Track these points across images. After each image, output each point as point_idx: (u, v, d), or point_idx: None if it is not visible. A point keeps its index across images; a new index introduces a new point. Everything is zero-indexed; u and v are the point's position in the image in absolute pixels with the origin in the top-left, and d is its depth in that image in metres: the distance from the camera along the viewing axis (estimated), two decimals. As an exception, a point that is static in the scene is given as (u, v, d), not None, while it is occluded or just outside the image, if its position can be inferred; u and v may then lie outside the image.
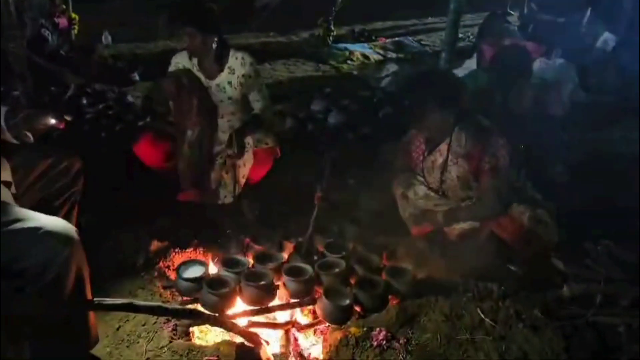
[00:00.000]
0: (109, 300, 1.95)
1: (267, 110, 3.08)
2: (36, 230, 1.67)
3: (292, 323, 2.40)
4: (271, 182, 3.33)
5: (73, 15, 5.66)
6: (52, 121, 2.01)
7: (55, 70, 4.79)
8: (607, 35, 5.70)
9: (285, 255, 2.72)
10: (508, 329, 2.37)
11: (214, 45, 2.95)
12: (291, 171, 3.63)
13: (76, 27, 5.53)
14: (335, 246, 2.76)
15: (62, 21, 5.21)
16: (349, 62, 6.20)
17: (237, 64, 2.98)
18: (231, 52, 3.01)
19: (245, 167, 2.94)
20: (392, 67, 5.92)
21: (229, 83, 3.00)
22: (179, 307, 2.11)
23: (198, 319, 2.20)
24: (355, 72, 5.85)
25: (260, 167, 3.02)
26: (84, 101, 4.50)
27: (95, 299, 1.90)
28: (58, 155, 2.24)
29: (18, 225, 1.68)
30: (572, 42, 6.09)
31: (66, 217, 2.25)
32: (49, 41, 5.22)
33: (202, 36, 2.88)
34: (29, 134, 1.94)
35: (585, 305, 2.51)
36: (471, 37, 7.35)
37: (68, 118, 2.06)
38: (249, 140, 2.91)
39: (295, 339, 2.36)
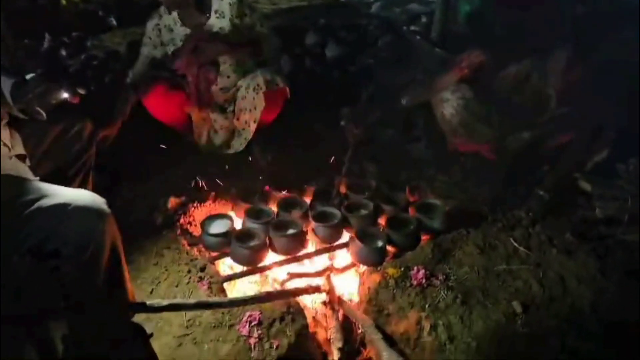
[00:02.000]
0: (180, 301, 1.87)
1: (273, 46, 2.90)
2: (65, 206, 1.55)
3: (330, 269, 2.36)
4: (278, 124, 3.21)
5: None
6: (65, 95, 1.85)
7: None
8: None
9: (308, 200, 2.65)
10: (542, 255, 2.37)
11: None
12: (295, 111, 3.48)
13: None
14: (358, 187, 2.69)
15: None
16: (333, -12, 5.89)
17: (224, 5, 2.75)
18: None
19: (257, 111, 2.78)
20: (381, -9, 5.64)
21: (221, 29, 2.78)
22: (252, 296, 2.03)
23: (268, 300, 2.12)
24: (342, 0, 5.57)
25: (271, 110, 2.87)
26: (63, 52, 4.20)
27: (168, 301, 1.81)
28: (69, 119, 2.08)
29: (44, 203, 1.56)
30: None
31: (82, 186, 2.12)
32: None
33: None
34: (41, 111, 1.78)
35: (613, 225, 2.52)
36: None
37: (82, 91, 1.90)
38: (259, 81, 2.73)
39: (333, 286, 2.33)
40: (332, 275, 2.33)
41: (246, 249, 2.26)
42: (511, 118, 2.54)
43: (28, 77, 3.80)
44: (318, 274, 2.32)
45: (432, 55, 4.12)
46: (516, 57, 2.65)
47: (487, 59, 2.58)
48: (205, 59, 2.72)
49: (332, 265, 2.40)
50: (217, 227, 2.40)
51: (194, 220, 2.61)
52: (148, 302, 1.78)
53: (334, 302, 2.22)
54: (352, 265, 2.39)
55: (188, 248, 2.43)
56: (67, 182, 2.09)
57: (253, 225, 2.40)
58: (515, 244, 2.41)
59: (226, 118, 2.89)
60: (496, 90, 2.61)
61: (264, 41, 2.85)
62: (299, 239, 2.36)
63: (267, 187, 2.77)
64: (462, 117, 2.56)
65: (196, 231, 2.53)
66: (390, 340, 2.06)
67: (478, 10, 4.51)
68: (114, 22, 4.93)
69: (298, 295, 2.17)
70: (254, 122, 2.80)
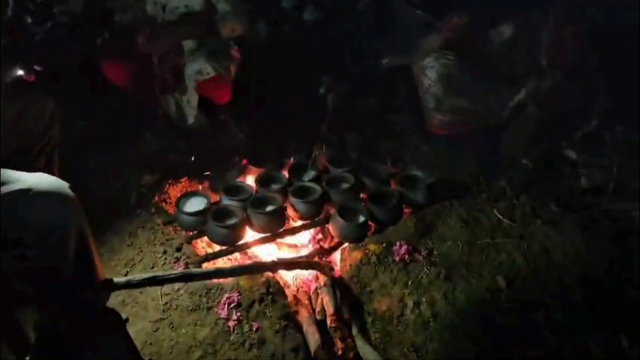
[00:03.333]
0: (162, 275, 1.79)
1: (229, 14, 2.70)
2: (26, 192, 1.45)
3: (319, 249, 2.30)
4: (253, 94, 3.09)
5: None
6: (20, 73, 1.72)
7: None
8: None
9: (286, 174, 2.56)
10: (527, 227, 2.33)
11: None
12: (272, 81, 3.35)
13: None
14: (339, 160, 2.61)
15: None
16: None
17: None
18: None
19: (192, 102, 2.67)
20: (361, -50, 5.42)
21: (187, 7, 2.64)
22: (240, 266, 1.95)
23: (259, 271, 2.05)
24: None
25: (216, 94, 2.75)
26: (29, 20, 3.98)
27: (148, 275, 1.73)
28: (29, 97, 1.95)
29: (4, 190, 1.45)
30: None
31: (47, 166, 2.01)
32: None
33: None
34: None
35: (599, 194, 2.48)
36: None
37: (38, 68, 1.78)
38: (189, 72, 2.59)
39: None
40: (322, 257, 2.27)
41: (223, 227, 2.18)
42: (498, 87, 2.45)
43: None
44: (308, 260, 2.24)
45: (414, 19, 4.00)
46: (503, 18, 2.53)
47: (473, 21, 2.46)
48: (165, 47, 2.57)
49: (320, 246, 2.33)
50: (193, 205, 2.31)
51: (169, 198, 2.52)
52: (127, 278, 1.70)
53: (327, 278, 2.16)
54: (340, 243, 2.33)
55: (163, 227, 2.34)
56: (31, 162, 1.98)
57: (230, 202, 2.31)
58: (500, 216, 2.36)
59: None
60: (482, 56, 2.51)
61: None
62: (279, 216, 2.29)
63: (244, 162, 2.67)
64: (444, 88, 2.46)
65: (171, 209, 2.44)
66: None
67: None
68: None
69: (293, 268, 2.12)
70: (193, 108, 2.69)
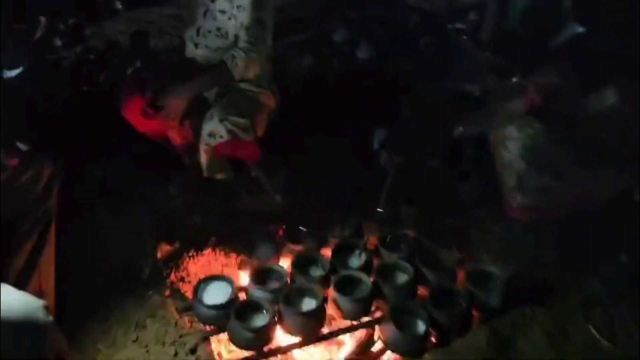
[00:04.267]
0: None
1: (248, 65, 2.13)
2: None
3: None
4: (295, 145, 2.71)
5: None
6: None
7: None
8: None
9: (329, 255, 2.12)
10: (630, 348, 1.83)
11: None
12: (318, 127, 2.94)
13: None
14: (393, 240, 2.16)
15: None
16: (366, -28, 5.25)
17: (227, 23, 2.19)
18: None
19: (203, 165, 2.30)
20: (420, -23, 4.99)
21: (222, 12, 2.21)
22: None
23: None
24: (376, -14, 4.95)
25: (240, 155, 2.39)
26: (58, 42, 3.69)
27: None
28: (21, 158, 1.58)
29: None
30: None
31: (38, 245, 1.63)
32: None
33: None
34: None
35: None
36: None
37: (24, 147, 1.42)
38: (202, 133, 2.18)
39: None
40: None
41: (249, 330, 1.76)
42: (596, 166, 1.96)
43: (14, 73, 3.20)
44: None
45: (481, 62, 3.53)
46: (603, 80, 2.04)
47: (565, 81, 1.99)
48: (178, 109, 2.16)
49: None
50: (215, 293, 1.89)
51: (187, 275, 2.11)
52: None
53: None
54: (382, 351, 1.88)
55: (178, 317, 1.93)
56: (19, 243, 1.61)
57: (259, 294, 1.89)
58: (595, 333, 1.87)
59: None
60: (576, 126, 2.03)
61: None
62: (317, 317, 1.85)
63: (280, 231, 2.25)
64: (529, 163, 1.99)
65: (189, 290, 2.03)
66: None
67: (537, 4, 3.88)
68: (119, 6, 4.39)
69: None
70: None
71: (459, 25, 3.87)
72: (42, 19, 3.92)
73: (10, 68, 3.41)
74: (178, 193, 2.51)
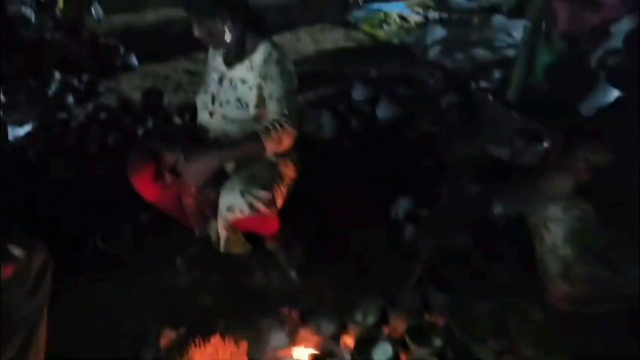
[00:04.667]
0: None
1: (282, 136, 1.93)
2: None
3: None
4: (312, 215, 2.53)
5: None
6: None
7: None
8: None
9: (350, 346, 1.90)
10: None
11: (227, 36, 1.98)
12: (336, 191, 2.77)
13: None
14: (421, 331, 1.94)
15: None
16: (385, 26, 5.19)
17: (260, 58, 2.00)
18: (264, 42, 2.02)
19: (222, 238, 2.14)
20: (439, 32, 4.90)
21: (243, 82, 2.04)
22: None
23: None
24: (395, 41, 4.86)
25: (258, 229, 2.20)
26: (70, 99, 3.61)
27: None
28: (16, 267, 1.41)
29: None
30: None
31: (21, 351, 1.43)
32: (31, 21, 4.23)
33: (205, 23, 1.95)
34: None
35: None
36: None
37: (19, 254, 1.26)
38: (220, 205, 2.00)
39: None
40: None
41: None
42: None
43: (22, 131, 3.06)
44: None
45: (509, 123, 3.36)
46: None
47: (617, 157, 1.80)
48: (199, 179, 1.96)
49: None
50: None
51: (192, 368, 1.90)
52: None
53: None
54: None
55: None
56: (6, 338, 1.42)
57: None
58: None
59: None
60: (628, 208, 1.82)
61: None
62: None
63: (297, 315, 2.04)
64: (576, 250, 1.77)
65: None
66: None
67: (562, 61, 3.74)
68: (135, 61, 4.34)
69: None
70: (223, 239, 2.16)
71: (483, 84, 3.73)
72: (57, 74, 3.87)
73: (21, 124, 3.32)
74: (186, 268, 2.32)
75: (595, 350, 1.92)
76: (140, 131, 3.16)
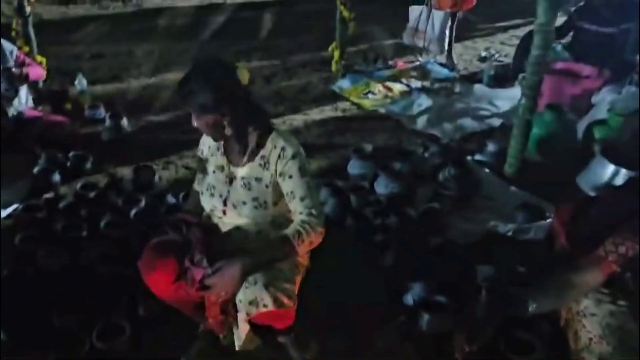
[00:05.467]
0: None
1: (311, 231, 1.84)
2: None
3: None
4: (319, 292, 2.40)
5: (39, 58, 4.61)
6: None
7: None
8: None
9: None
10: None
11: (228, 130, 1.89)
12: (344, 274, 2.67)
13: (44, 72, 4.44)
14: None
15: (34, 70, 3.96)
16: (370, 96, 5.26)
17: (273, 154, 1.91)
18: (272, 136, 1.93)
19: (241, 334, 1.97)
20: (425, 102, 4.97)
21: (258, 180, 1.94)
22: None
23: None
24: (382, 110, 4.91)
25: (276, 323, 2.05)
26: (57, 177, 3.46)
27: None
28: None
29: None
30: (619, 58, 5.27)
31: None
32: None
33: (203, 117, 1.85)
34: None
35: None
36: (498, 56, 6.44)
37: None
38: (240, 298, 1.86)
39: None
40: None
41: None
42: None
43: (5, 212, 2.90)
44: None
45: (507, 196, 3.36)
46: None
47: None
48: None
49: None
50: None
51: None
52: None
53: None
54: None
55: None
56: None
57: None
58: None
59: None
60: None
61: None
62: None
63: None
64: (614, 346, 1.70)
65: None
66: None
67: (554, 135, 3.81)
68: (128, 128, 4.25)
69: None
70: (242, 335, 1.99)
71: (478, 157, 3.75)
72: (42, 153, 3.72)
73: (4, 207, 3.14)
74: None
75: None
76: (133, 212, 3.03)
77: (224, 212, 2.02)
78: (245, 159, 1.95)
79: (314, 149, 4.06)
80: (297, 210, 1.88)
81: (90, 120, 4.45)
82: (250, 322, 2.00)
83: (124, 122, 4.27)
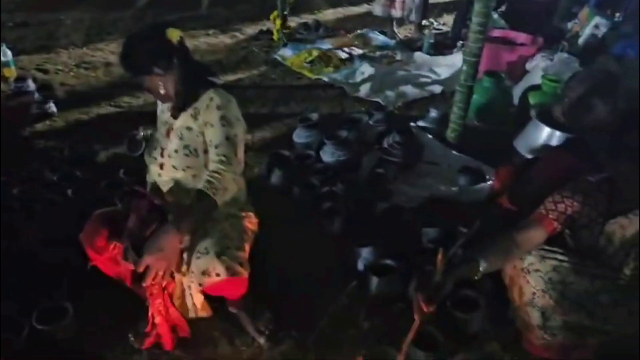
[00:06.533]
0: None
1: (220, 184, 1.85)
2: None
3: None
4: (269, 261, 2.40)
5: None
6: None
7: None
8: (598, 19, 4.96)
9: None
10: None
11: (171, 90, 1.98)
12: (295, 238, 2.67)
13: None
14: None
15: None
16: (312, 65, 5.20)
17: (203, 105, 1.99)
18: (208, 92, 2.01)
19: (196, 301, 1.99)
20: (367, 70, 4.98)
21: (189, 129, 2.02)
22: None
23: None
24: (325, 79, 4.87)
25: (229, 293, 2.06)
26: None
27: None
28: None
29: None
30: (550, 26, 5.46)
31: None
32: None
33: (150, 79, 1.95)
34: None
35: None
36: (437, 25, 6.51)
37: None
38: (192, 269, 1.87)
39: None
40: None
41: None
42: (630, 299, 1.79)
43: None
44: None
45: (449, 160, 3.44)
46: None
47: (587, 203, 1.83)
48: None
49: None
50: None
51: None
52: None
53: None
54: None
55: None
56: None
57: None
58: None
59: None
60: (599, 253, 1.87)
61: None
62: None
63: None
64: (556, 300, 1.78)
65: None
66: None
67: (492, 100, 3.91)
68: (54, 109, 4.02)
69: None
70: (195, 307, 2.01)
71: (421, 123, 3.81)
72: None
73: None
74: (140, 344, 2.10)
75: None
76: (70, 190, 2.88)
77: (162, 167, 2.06)
78: (181, 111, 2.04)
79: (258, 119, 4.00)
80: (212, 158, 1.92)
81: (17, 93, 4.16)
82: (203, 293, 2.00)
83: (55, 94, 4.04)
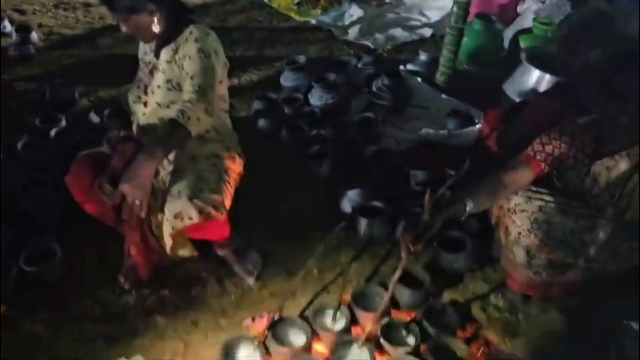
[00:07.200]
0: None
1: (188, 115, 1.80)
2: None
3: None
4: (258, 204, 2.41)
5: None
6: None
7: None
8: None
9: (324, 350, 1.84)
10: None
11: (156, 27, 1.95)
12: (284, 180, 2.67)
13: None
14: (395, 328, 1.92)
15: None
16: (300, 7, 5.05)
17: (183, 39, 1.97)
18: (189, 27, 1.98)
19: (167, 242, 1.95)
20: (356, 12, 4.85)
21: (170, 63, 2.00)
22: None
23: None
24: (313, 21, 4.74)
25: (209, 236, 2.10)
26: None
27: None
28: None
29: None
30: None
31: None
32: None
33: (132, 19, 1.91)
34: None
35: None
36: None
37: None
38: (165, 212, 1.86)
39: None
40: None
41: None
42: (612, 237, 1.82)
43: None
44: None
45: (438, 104, 3.41)
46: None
47: (575, 144, 1.83)
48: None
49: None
50: None
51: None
52: None
53: None
54: None
55: None
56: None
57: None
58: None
59: None
60: (584, 194, 1.88)
61: None
62: None
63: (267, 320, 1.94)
64: (540, 239, 1.81)
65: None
66: None
67: (483, 43, 3.85)
68: (32, 50, 3.89)
69: None
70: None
71: (410, 67, 3.75)
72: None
73: None
74: (131, 284, 2.12)
75: (558, 335, 2.00)
76: (53, 132, 2.83)
77: (146, 104, 2.07)
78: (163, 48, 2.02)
79: (244, 61, 3.91)
80: (186, 89, 1.89)
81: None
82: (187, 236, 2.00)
83: (33, 35, 3.90)
